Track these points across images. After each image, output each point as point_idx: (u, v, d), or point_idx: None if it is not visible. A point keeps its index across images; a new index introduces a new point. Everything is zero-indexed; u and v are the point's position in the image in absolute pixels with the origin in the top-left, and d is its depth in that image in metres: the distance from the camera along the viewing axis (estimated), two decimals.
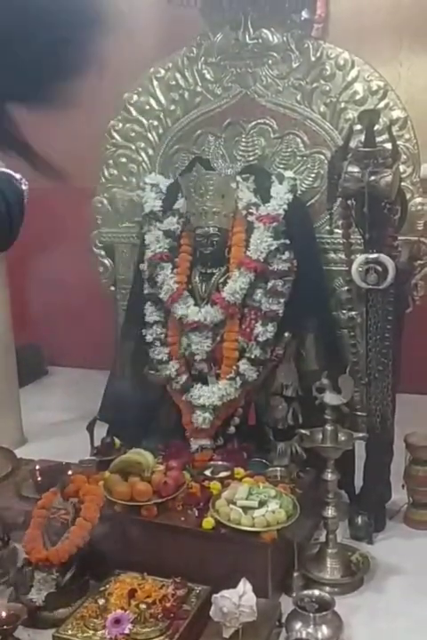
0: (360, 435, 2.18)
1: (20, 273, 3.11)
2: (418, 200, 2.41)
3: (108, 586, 1.88)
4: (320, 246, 2.51)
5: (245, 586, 1.70)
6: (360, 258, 2.18)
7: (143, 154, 2.76)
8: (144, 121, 2.75)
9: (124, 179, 2.79)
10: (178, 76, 2.69)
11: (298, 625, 1.79)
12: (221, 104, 2.64)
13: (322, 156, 2.51)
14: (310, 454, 2.22)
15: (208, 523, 1.97)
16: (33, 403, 3.35)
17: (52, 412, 3.40)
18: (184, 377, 2.43)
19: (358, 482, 2.36)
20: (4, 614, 1.78)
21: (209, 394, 2.37)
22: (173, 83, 2.70)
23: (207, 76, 2.65)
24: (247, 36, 2.57)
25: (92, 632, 1.74)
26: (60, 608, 1.89)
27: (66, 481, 2.08)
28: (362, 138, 2.22)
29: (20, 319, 3.09)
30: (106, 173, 2.82)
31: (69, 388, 3.72)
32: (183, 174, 2.55)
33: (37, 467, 2.40)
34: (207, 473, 2.24)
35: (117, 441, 2.38)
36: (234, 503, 2.00)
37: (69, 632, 1.75)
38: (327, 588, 1.97)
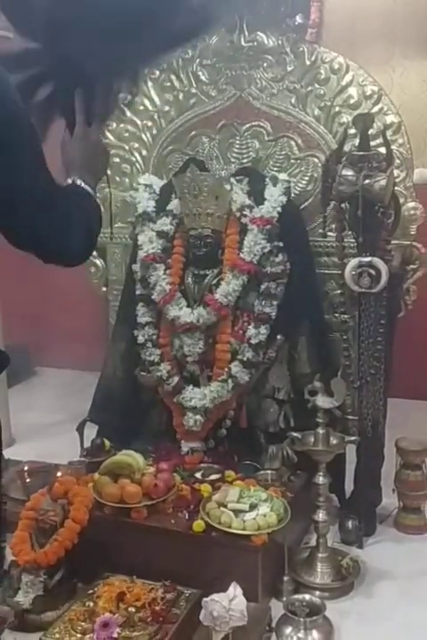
0: (352, 438, 2.17)
1: (9, 273, 3.08)
2: (411, 204, 2.42)
3: (96, 589, 1.86)
4: (313, 249, 2.51)
5: (235, 590, 1.69)
6: (353, 261, 2.18)
7: (137, 154, 2.75)
8: (138, 121, 2.75)
9: (118, 179, 2.78)
10: (173, 77, 2.69)
11: (288, 629, 1.78)
12: (215, 106, 2.64)
13: (316, 160, 2.52)
14: (301, 457, 2.21)
15: (199, 525, 1.95)
16: (22, 403, 3.32)
17: (41, 412, 3.37)
18: (176, 379, 2.41)
19: (349, 486, 2.36)
20: None
21: (200, 396, 2.36)
22: (168, 84, 2.70)
23: (202, 78, 2.65)
24: (243, 39, 2.57)
25: (79, 636, 1.71)
26: (48, 611, 1.87)
27: (54, 482, 2.06)
28: (356, 142, 2.24)
29: (7, 319, 3.06)
30: None
31: (59, 390, 3.68)
32: (177, 175, 2.54)
33: (26, 468, 2.38)
34: (198, 475, 2.23)
35: (107, 442, 2.36)
36: (225, 506, 1.99)
37: (57, 635, 1.72)
38: (318, 593, 1.96)
